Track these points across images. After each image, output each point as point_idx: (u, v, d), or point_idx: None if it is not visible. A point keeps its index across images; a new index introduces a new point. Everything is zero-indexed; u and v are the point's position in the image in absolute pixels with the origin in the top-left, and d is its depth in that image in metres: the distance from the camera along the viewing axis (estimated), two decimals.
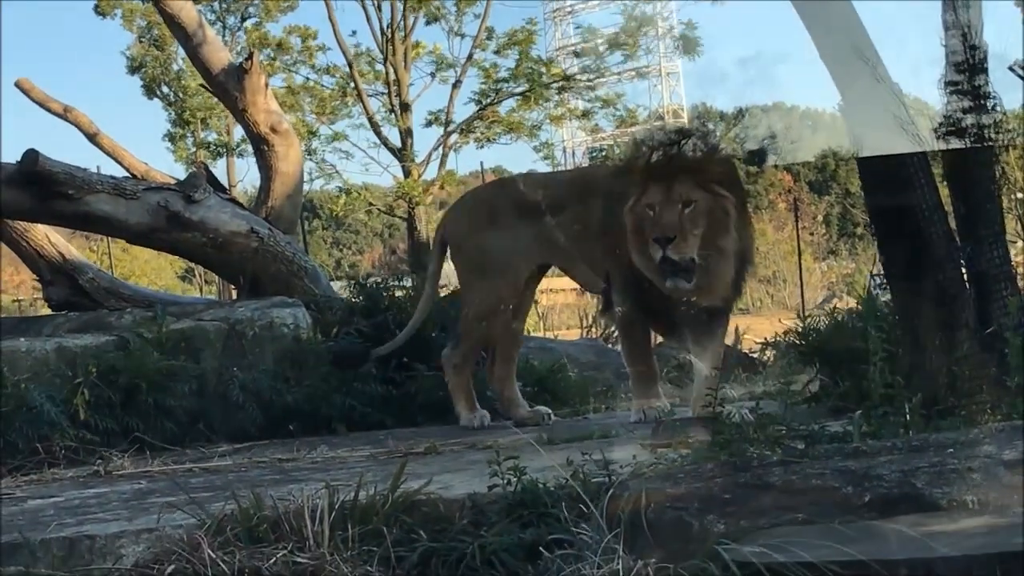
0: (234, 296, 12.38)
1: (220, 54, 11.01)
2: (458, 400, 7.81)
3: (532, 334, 13.09)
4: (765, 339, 11.70)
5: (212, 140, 41.83)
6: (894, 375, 5.21)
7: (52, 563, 4.44)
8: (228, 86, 10.78)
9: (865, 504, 3.72)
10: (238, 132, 40.16)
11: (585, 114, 36.37)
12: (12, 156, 9.09)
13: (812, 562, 3.41)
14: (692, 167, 6.73)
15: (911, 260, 5.91)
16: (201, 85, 13.57)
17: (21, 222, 10.36)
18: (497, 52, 34.81)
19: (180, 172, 42.35)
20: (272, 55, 36.17)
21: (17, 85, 12.73)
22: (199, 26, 10.89)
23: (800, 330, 7.50)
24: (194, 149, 42.10)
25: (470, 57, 34.35)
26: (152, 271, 42.08)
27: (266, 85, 10.93)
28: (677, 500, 3.92)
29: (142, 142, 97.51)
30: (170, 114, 42.30)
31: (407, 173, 33.75)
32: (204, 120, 41.12)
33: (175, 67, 40.88)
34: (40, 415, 7.19)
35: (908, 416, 4.93)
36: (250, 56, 10.83)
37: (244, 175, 41.07)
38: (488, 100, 34.21)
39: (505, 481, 4.67)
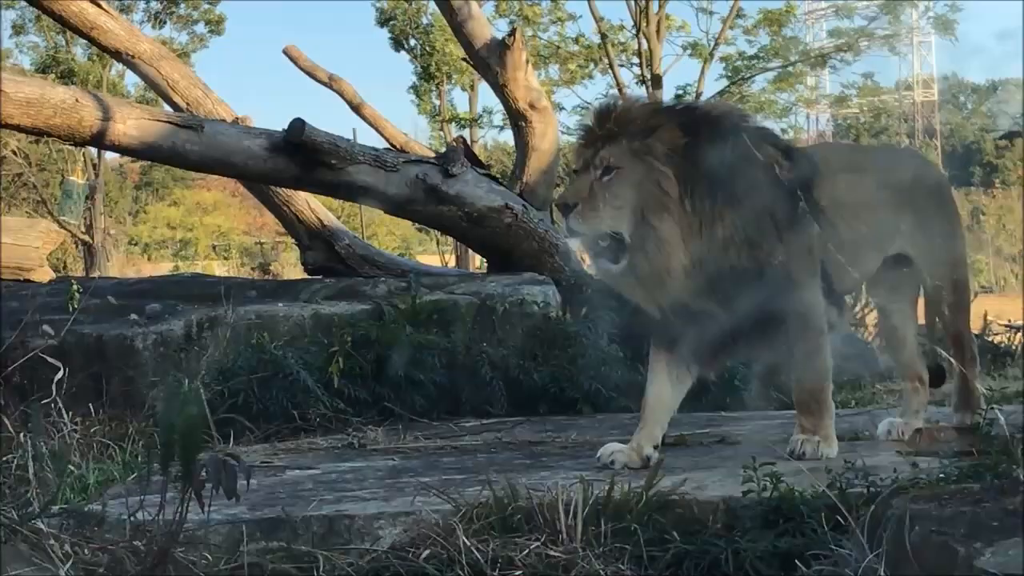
0: (475, 261, 12.47)
1: (484, 29, 11.08)
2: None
3: None
4: (1009, 322, 11.25)
5: (460, 113, 42.39)
6: None
7: (312, 541, 4.53)
8: (490, 61, 10.83)
9: None
10: (482, 93, 40.71)
11: (840, 100, 35.89)
12: (277, 124, 9.30)
13: None
14: (632, 133, 5.49)
15: None
16: (463, 59, 13.69)
17: (284, 188, 10.61)
18: (747, 32, 34.55)
19: (423, 125, 43.21)
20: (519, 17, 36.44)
21: (285, 52, 12.99)
22: (465, 1, 10.98)
23: None
24: (438, 103, 42.75)
25: (721, 32, 34.10)
26: (391, 221, 42.81)
27: (527, 61, 10.97)
28: (942, 523, 3.81)
29: (385, 94, 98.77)
30: (416, 67, 43.04)
31: None
32: (449, 75, 41.73)
33: (424, 20, 41.54)
34: (295, 382, 7.37)
35: None
36: (513, 32, 10.88)
37: (483, 135, 41.62)
38: (739, 76, 33.96)
39: (760, 487, 4.63)
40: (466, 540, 4.38)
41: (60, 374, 5.94)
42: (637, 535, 4.43)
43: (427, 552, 4.40)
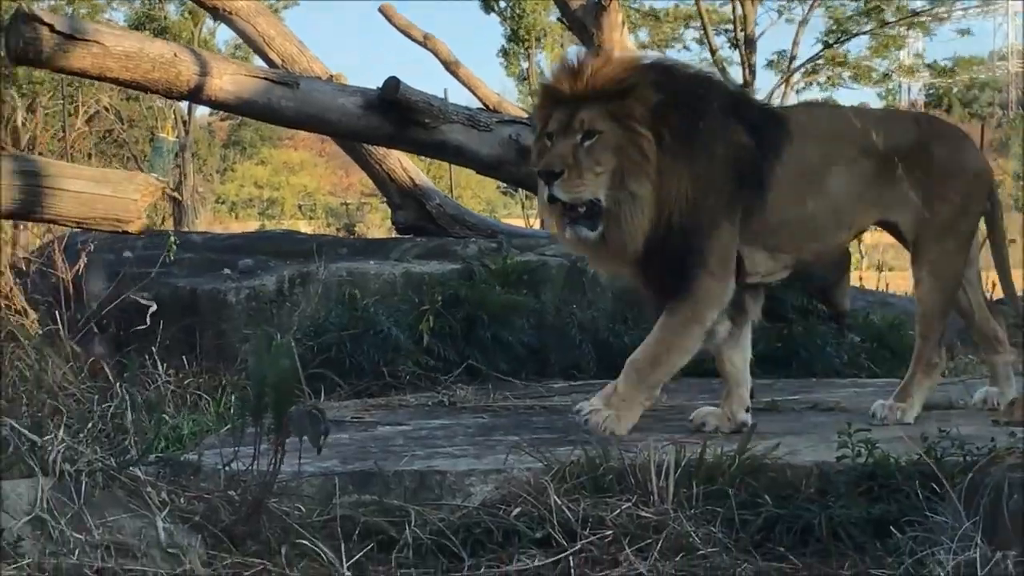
0: None
1: None
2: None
3: (868, 286, 12.81)
4: None
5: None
6: None
7: (404, 495, 4.56)
8: (586, 21, 10.77)
9: None
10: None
11: (943, 72, 35.45)
12: (372, 82, 9.29)
13: None
14: (605, 94, 5.36)
15: None
16: (558, 19, 13.62)
17: (378, 147, 10.60)
18: None
19: (511, 87, 43.18)
20: None
21: (381, 11, 13.02)
22: None
23: None
24: (526, 65, 42.77)
25: None
26: (476, 183, 42.84)
27: (623, 23, 10.91)
28: None
29: (474, 57, 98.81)
30: (506, 30, 43.08)
31: None
32: (538, 39, 41.72)
33: None
34: (387, 339, 7.40)
35: None
36: None
37: None
38: (835, 42, 33.63)
39: (855, 452, 4.60)
40: (557, 499, 4.40)
41: (152, 308, 6.01)
42: (729, 498, 4.43)
43: (518, 510, 4.42)
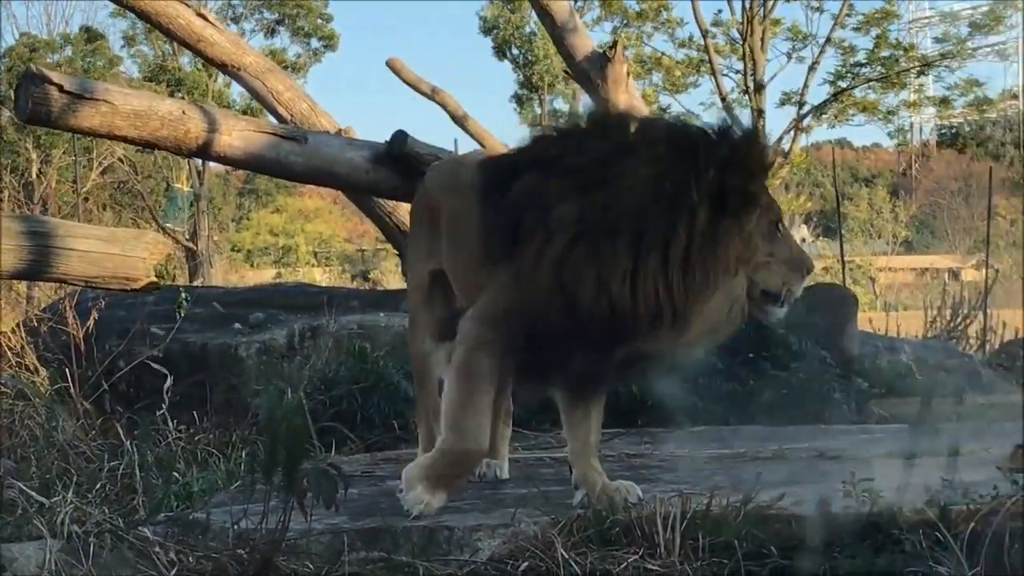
0: None
1: (585, 42, 11.05)
2: None
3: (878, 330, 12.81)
4: None
5: (559, 108, 42.61)
6: None
7: (412, 551, 4.57)
8: (591, 73, 10.81)
9: None
10: (584, 102, 40.92)
11: (944, 101, 35.51)
12: (381, 135, 9.31)
13: None
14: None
15: None
16: (564, 71, 13.66)
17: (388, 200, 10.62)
18: (857, 29, 34.26)
19: (526, 134, 43.69)
20: (623, 23, 36.61)
21: (388, 65, 13.09)
22: (569, 15, 10.96)
23: None
24: (539, 111, 42.96)
25: (828, 40, 33.88)
26: None
27: (628, 75, 10.94)
28: None
29: (488, 103, 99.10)
30: (518, 76, 43.26)
31: None
32: (551, 84, 41.95)
33: (527, 29, 41.89)
34: (397, 392, 7.42)
35: None
36: (614, 45, 10.84)
37: None
38: (845, 85, 33.68)
39: (859, 502, 4.61)
40: (564, 553, 4.40)
41: (168, 383, 6.06)
42: (735, 550, 4.44)
43: (525, 564, 4.42)
